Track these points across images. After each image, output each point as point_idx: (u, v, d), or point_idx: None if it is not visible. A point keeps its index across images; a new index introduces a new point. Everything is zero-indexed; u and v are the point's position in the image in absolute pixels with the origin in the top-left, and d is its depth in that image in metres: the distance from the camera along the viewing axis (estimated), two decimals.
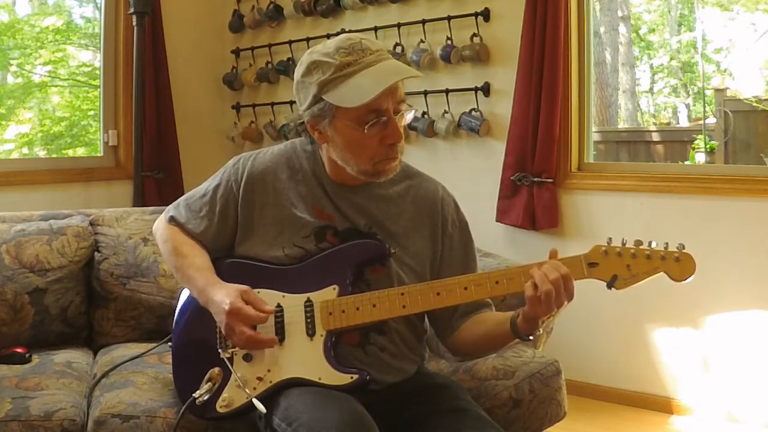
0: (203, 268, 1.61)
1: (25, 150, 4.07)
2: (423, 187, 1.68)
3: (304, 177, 1.64)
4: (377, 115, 1.48)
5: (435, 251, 1.65)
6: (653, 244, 1.44)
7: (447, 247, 1.66)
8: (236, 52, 4.22)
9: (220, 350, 1.56)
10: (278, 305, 1.55)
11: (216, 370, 1.54)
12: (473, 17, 3.31)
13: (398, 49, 3.49)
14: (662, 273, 1.43)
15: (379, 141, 1.50)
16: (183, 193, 4.11)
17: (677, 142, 5.64)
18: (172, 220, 1.71)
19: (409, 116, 1.56)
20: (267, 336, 1.51)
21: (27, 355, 2.01)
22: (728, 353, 2.88)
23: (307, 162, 1.66)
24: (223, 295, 1.51)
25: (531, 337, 1.50)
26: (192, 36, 4.16)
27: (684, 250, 1.42)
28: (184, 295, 1.71)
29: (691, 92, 6.57)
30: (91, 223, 2.34)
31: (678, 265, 1.42)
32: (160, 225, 1.76)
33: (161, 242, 1.73)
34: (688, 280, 1.42)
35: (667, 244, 1.44)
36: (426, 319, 1.70)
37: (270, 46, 4.05)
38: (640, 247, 1.44)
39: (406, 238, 1.63)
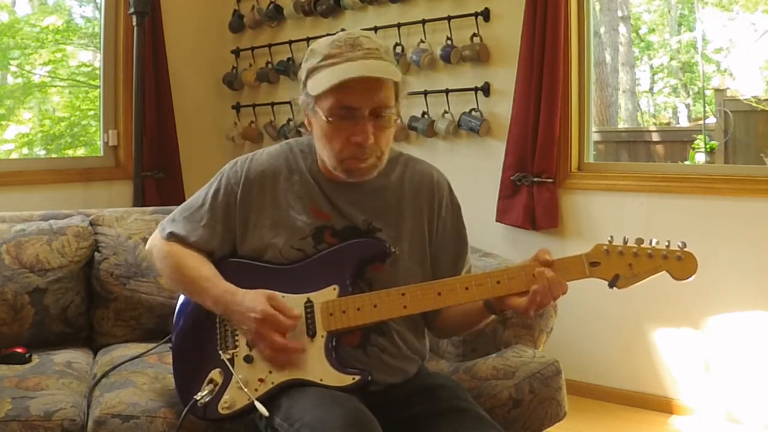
0: (214, 277, 1.58)
1: (25, 150, 4.07)
2: (417, 171, 1.68)
3: (301, 177, 1.64)
4: (348, 111, 1.48)
5: (430, 234, 1.65)
6: (654, 243, 1.44)
7: (441, 230, 1.67)
8: (236, 52, 4.22)
9: (220, 351, 1.56)
10: None
11: (217, 371, 1.54)
12: (473, 17, 3.31)
13: (398, 49, 3.49)
14: (664, 272, 1.43)
15: (347, 138, 1.50)
16: (183, 193, 4.11)
17: (677, 142, 5.65)
18: (172, 236, 1.65)
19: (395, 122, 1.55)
20: (296, 344, 1.49)
21: (27, 355, 2.01)
22: (728, 353, 2.88)
23: (303, 161, 1.65)
24: (250, 302, 1.49)
25: (505, 313, 1.55)
26: (192, 36, 4.16)
27: (686, 249, 1.42)
28: (183, 296, 1.69)
29: (691, 92, 6.58)
30: (91, 223, 2.34)
31: (680, 264, 1.42)
32: (156, 243, 1.69)
33: (159, 259, 1.67)
34: (689, 279, 1.42)
35: (669, 242, 1.43)
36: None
37: (270, 46, 4.05)
38: (642, 245, 1.44)
39: (407, 227, 1.62)
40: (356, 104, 1.48)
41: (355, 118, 1.48)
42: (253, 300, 1.50)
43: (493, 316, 1.58)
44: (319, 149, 1.58)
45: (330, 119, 1.49)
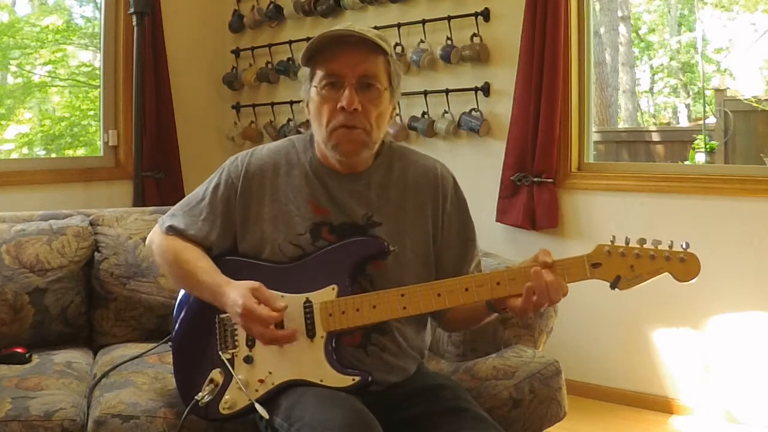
0: (210, 270, 1.58)
1: (25, 150, 4.07)
2: (421, 165, 1.68)
3: (301, 171, 1.64)
4: (336, 79, 1.52)
5: (435, 230, 1.65)
6: (657, 244, 1.43)
7: (446, 226, 1.66)
8: (236, 52, 4.22)
9: (220, 352, 1.56)
10: None
11: (217, 371, 1.54)
12: (473, 17, 3.31)
13: (398, 49, 3.49)
14: (666, 273, 1.41)
15: (334, 106, 1.52)
16: (183, 193, 4.11)
17: (677, 142, 5.64)
18: (171, 229, 1.65)
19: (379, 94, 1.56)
20: (286, 331, 1.47)
21: (27, 355, 2.01)
22: (728, 353, 2.88)
23: (304, 155, 1.65)
24: (235, 296, 1.48)
25: (506, 311, 1.54)
26: (192, 36, 4.16)
27: (688, 250, 1.40)
28: (182, 294, 1.69)
29: (691, 92, 6.58)
30: (91, 223, 2.34)
31: (683, 265, 1.40)
32: (155, 237, 1.69)
33: (158, 254, 1.67)
34: (692, 281, 1.40)
35: (671, 243, 1.42)
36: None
37: (270, 46, 4.05)
38: (644, 246, 1.42)
39: (410, 222, 1.62)
40: (341, 72, 1.52)
41: (342, 87, 1.52)
42: (237, 294, 1.48)
43: (495, 314, 1.58)
44: (314, 133, 1.61)
45: (321, 91, 1.53)
